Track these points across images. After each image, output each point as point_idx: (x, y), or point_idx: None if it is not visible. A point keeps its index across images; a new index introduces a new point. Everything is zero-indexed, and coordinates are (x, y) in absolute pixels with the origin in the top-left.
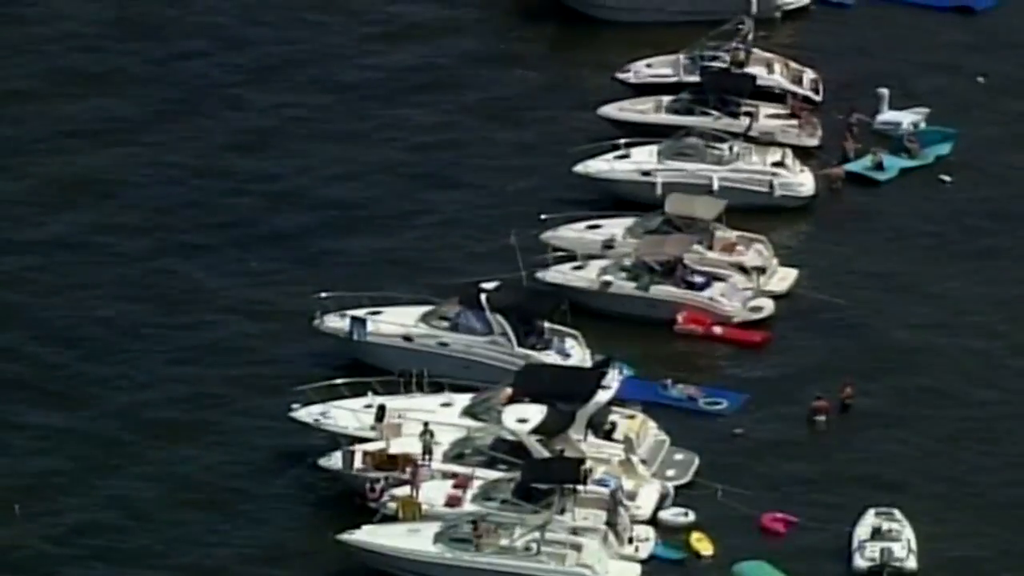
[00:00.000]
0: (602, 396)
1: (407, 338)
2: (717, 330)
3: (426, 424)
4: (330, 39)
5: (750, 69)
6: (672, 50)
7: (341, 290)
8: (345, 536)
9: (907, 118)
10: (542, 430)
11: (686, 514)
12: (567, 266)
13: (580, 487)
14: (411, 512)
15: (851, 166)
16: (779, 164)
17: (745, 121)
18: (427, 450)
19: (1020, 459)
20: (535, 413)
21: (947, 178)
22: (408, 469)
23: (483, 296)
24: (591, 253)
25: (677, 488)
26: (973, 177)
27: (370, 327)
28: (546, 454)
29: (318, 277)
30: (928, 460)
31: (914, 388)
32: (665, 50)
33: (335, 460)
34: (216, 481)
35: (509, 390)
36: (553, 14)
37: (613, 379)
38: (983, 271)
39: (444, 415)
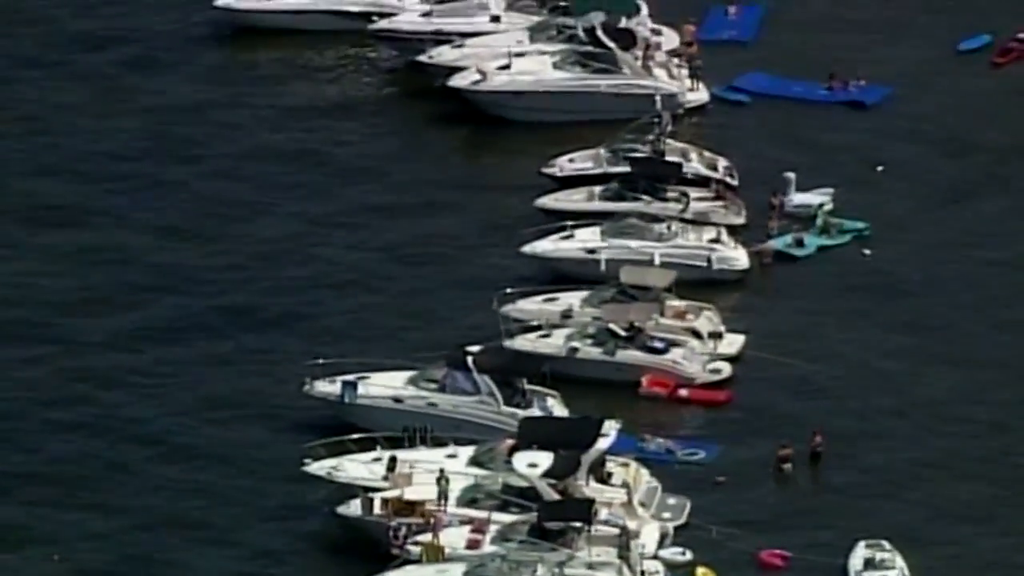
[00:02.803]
0: (603, 443)
1: (397, 400)
2: (682, 392)
3: (442, 471)
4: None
5: (668, 158)
6: (588, 145)
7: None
8: None
9: (816, 199)
10: (551, 474)
11: (683, 553)
12: (533, 335)
13: (591, 526)
14: (434, 556)
15: (772, 243)
16: (715, 240)
17: (677, 206)
18: (443, 495)
19: (990, 486)
20: (544, 459)
21: (867, 252)
22: (431, 518)
23: (469, 358)
24: (554, 323)
25: (674, 529)
26: (888, 250)
27: (360, 390)
28: (556, 496)
29: (300, 348)
30: (903, 495)
31: (872, 434)
32: (576, 146)
33: (354, 507)
34: (234, 537)
35: (510, 440)
36: (468, 117)
37: (611, 428)
38: (907, 331)
39: (451, 465)
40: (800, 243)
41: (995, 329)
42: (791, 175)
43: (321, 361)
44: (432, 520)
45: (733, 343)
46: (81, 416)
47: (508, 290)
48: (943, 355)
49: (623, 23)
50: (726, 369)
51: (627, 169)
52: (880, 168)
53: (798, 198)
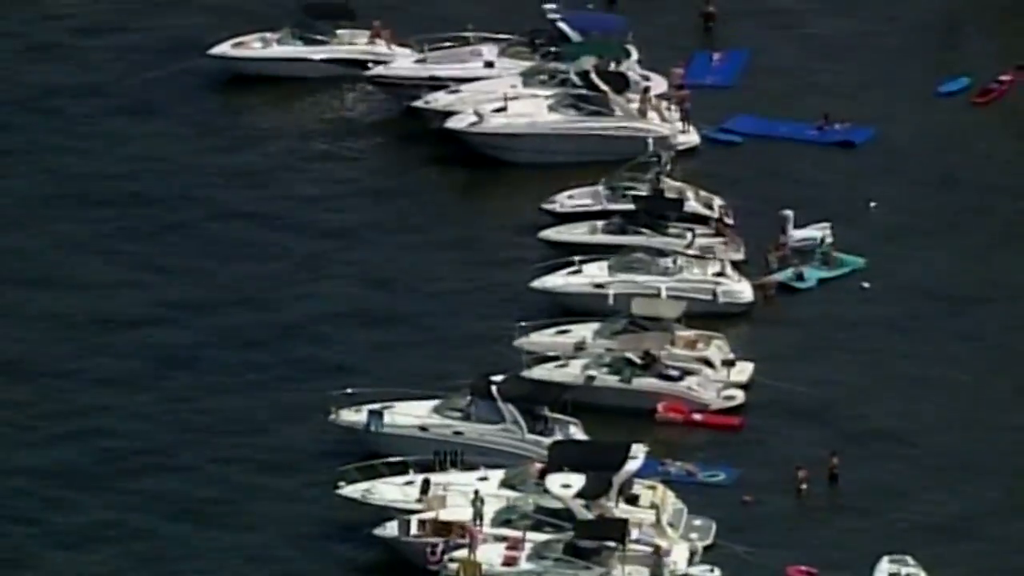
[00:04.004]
0: (632, 465)
1: (423, 428)
2: (697, 417)
3: (476, 492)
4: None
5: (669, 195)
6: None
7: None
8: None
9: (816, 233)
10: (583, 495)
11: (712, 570)
12: (551, 364)
13: (624, 545)
14: (471, 573)
15: (775, 277)
16: (720, 274)
17: (680, 241)
18: (479, 515)
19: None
20: (576, 480)
21: (866, 284)
22: (468, 536)
23: (494, 387)
24: (570, 354)
25: (702, 548)
26: (884, 281)
27: (387, 419)
28: (589, 516)
29: (324, 380)
30: (922, 514)
31: (883, 454)
32: (570, 185)
33: (390, 529)
34: (270, 562)
35: (539, 464)
36: (465, 159)
37: (639, 451)
38: (907, 357)
39: (483, 487)
40: (800, 276)
41: (994, 357)
42: (789, 212)
43: (349, 391)
44: (469, 537)
45: (744, 371)
46: (109, 444)
47: (523, 323)
48: (946, 378)
49: (613, 67)
50: (739, 396)
51: (630, 206)
52: (873, 204)
53: (799, 234)
